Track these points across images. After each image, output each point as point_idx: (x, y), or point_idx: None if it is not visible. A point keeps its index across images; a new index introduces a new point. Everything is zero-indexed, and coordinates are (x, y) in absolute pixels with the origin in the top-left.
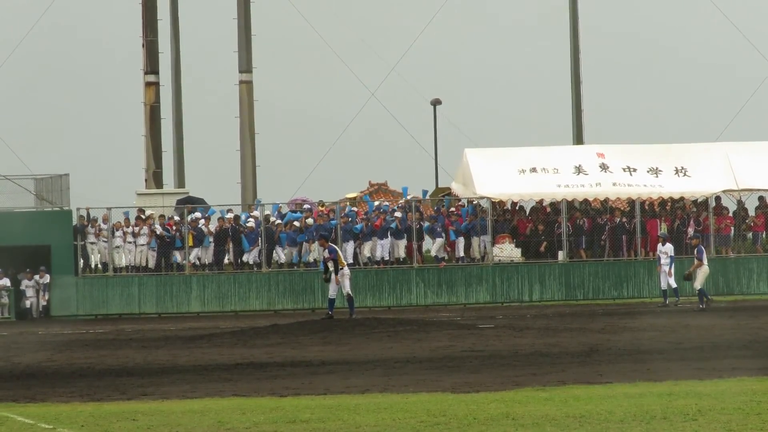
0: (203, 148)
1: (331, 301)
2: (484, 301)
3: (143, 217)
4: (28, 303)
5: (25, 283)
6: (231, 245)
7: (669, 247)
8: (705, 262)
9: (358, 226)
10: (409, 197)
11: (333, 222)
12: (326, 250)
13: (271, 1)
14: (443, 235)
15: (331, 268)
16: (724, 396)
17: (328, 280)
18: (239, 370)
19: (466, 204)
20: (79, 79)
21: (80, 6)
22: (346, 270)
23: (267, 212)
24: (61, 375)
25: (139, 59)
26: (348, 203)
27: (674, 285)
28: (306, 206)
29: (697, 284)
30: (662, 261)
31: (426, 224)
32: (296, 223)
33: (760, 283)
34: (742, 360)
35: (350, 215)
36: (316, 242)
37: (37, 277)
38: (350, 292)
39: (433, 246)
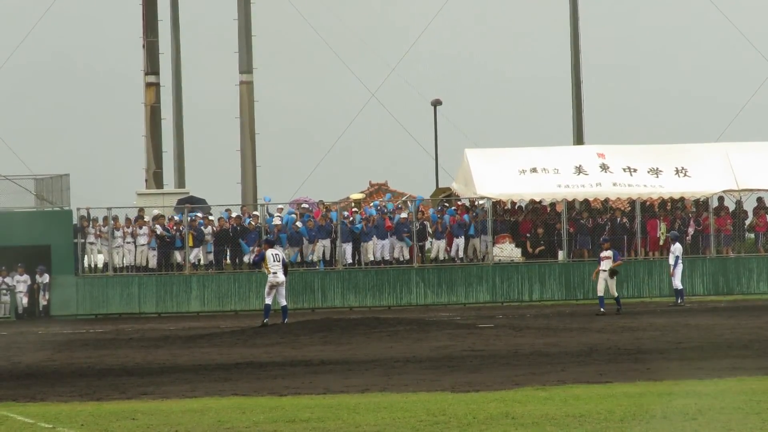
0: (203, 149)
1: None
2: (484, 301)
3: (143, 217)
4: (17, 299)
5: (16, 278)
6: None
7: (678, 248)
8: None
9: (358, 225)
10: (405, 198)
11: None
12: None
13: (271, 1)
14: (444, 236)
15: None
16: (724, 395)
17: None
18: (239, 369)
19: (467, 203)
20: (80, 79)
21: (80, 6)
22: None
23: (273, 214)
24: (61, 374)
25: (139, 60)
26: (353, 202)
27: (680, 286)
28: (305, 206)
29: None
30: (670, 261)
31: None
32: (298, 224)
33: (760, 283)
34: (742, 360)
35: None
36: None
37: (36, 276)
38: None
39: (434, 248)
